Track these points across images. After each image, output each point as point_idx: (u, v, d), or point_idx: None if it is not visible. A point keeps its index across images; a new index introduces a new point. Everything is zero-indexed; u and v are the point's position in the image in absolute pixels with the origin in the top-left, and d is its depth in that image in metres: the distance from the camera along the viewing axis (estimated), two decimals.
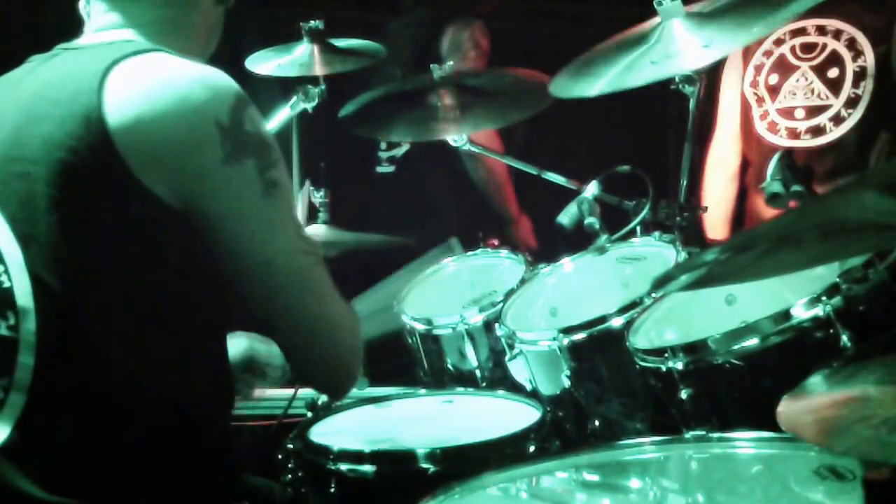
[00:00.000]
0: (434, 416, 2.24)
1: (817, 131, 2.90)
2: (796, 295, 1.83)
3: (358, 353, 1.83)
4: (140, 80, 1.58)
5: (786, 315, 1.80)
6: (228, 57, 1.87)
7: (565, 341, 2.20)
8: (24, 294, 1.58)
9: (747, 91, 3.07)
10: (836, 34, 2.91)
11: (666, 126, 3.95)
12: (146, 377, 1.61)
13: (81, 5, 1.78)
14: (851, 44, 2.87)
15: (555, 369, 2.25)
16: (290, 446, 2.03)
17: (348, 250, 3.02)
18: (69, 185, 1.55)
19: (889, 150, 2.86)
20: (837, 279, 1.79)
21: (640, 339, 2.06)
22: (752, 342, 1.82)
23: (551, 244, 3.73)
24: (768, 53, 3.02)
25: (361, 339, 1.83)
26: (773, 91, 2.99)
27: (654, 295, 2.14)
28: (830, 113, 2.89)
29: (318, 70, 2.87)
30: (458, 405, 2.29)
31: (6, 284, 1.59)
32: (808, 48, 2.95)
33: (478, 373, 2.59)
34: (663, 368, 1.92)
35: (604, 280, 2.53)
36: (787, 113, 2.97)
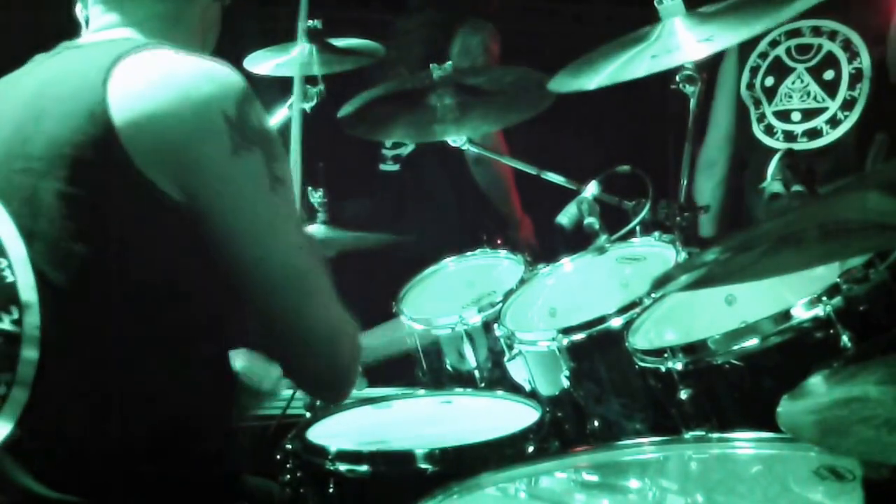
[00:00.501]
0: (433, 417, 2.24)
1: (814, 134, 2.90)
2: (796, 295, 1.83)
3: (357, 357, 1.80)
4: (145, 74, 1.58)
5: (786, 315, 1.80)
6: (227, 56, 1.87)
7: (564, 342, 2.20)
8: (27, 289, 1.58)
9: (744, 93, 3.07)
10: (832, 35, 2.91)
11: (666, 126, 3.94)
12: (148, 373, 1.62)
13: (78, 9, 1.78)
14: (847, 45, 2.87)
15: (554, 370, 2.25)
16: (289, 447, 2.03)
17: (347, 250, 3.02)
18: (74, 181, 1.55)
19: (886, 152, 2.86)
20: (838, 279, 1.78)
21: (640, 340, 2.06)
22: (752, 342, 1.82)
23: (551, 244, 3.73)
24: (764, 55, 3.01)
25: (360, 344, 1.80)
26: (770, 93, 2.99)
27: (653, 295, 2.14)
28: (827, 116, 2.89)
29: (317, 70, 2.86)
30: (457, 406, 2.29)
31: (10, 279, 1.59)
32: (804, 49, 2.95)
33: (477, 373, 2.59)
34: (663, 369, 1.92)
35: (603, 280, 2.53)
36: (784, 115, 2.97)
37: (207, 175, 1.57)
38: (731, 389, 1.87)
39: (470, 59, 3.79)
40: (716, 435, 1.73)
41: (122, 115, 1.53)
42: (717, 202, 3.25)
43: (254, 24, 3.61)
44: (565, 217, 2.56)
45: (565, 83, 2.38)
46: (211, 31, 1.83)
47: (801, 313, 1.79)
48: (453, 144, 2.92)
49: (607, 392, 2.20)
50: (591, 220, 2.52)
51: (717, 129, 3.20)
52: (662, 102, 3.29)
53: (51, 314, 1.58)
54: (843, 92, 2.87)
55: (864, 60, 2.85)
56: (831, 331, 1.77)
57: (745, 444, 1.68)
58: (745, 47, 3.06)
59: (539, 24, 5.00)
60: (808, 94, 2.92)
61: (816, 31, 2.93)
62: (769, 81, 3.00)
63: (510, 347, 2.36)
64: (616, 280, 2.51)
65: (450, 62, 2.86)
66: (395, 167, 3.99)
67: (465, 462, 1.84)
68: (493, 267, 2.92)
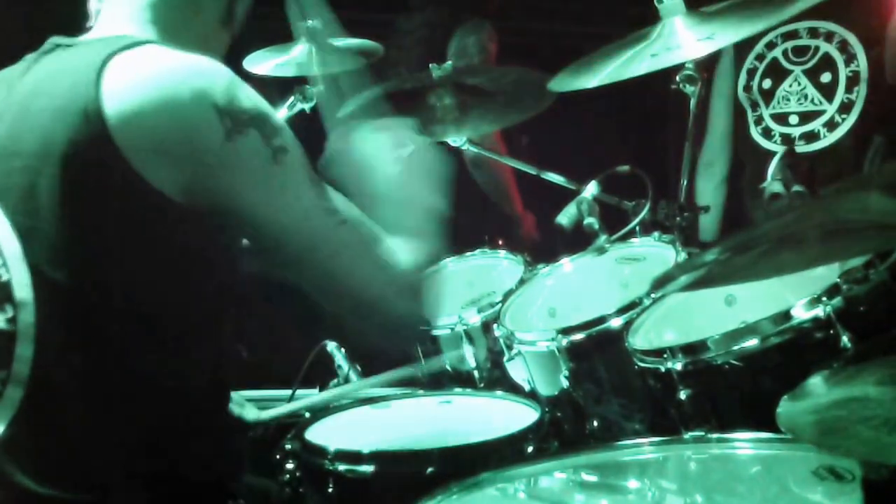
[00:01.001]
0: (432, 417, 2.24)
1: (811, 137, 2.90)
2: (796, 295, 1.83)
3: (414, 299, 1.72)
4: (134, 72, 1.57)
5: (786, 316, 1.80)
6: (226, 56, 1.86)
7: (564, 342, 2.20)
8: (22, 287, 1.58)
9: (741, 96, 3.07)
10: (829, 37, 2.91)
11: (666, 126, 3.94)
12: (144, 372, 1.61)
13: (92, 3, 1.78)
14: (844, 47, 2.87)
15: (553, 370, 2.25)
16: (288, 446, 2.03)
17: None
18: (68, 179, 1.55)
19: (883, 154, 2.86)
20: (838, 279, 1.78)
21: (639, 340, 2.06)
22: (752, 343, 1.81)
23: (550, 244, 3.72)
24: (761, 57, 3.01)
25: (415, 286, 1.73)
26: (767, 96, 2.99)
27: (653, 295, 2.14)
28: (824, 118, 2.89)
29: (317, 70, 2.86)
30: (457, 406, 2.29)
31: (4, 277, 1.58)
32: (801, 51, 2.95)
33: (476, 373, 2.59)
34: (662, 369, 1.92)
35: (603, 280, 2.53)
36: (781, 118, 2.97)
37: (205, 166, 1.56)
38: (731, 390, 1.87)
39: (467, 57, 3.79)
40: (715, 435, 1.73)
41: (115, 112, 1.53)
42: (717, 204, 3.25)
43: (253, 24, 3.61)
44: (565, 217, 2.56)
45: (565, 83, 2.38)
46: (215, 51, 1.81)
47: (800, 314, 1.79)
48: (453, 144, 2.92)
49: (607, 392, 2.20)
50: (591, 221, 2.51)
51: (714, 131, 3.20)
52: (662, 102, 3.29)
53: (46, 312, 1.57)
54: (840, 95, 2.87)
55: (861, 63, 2.84)
56: (831, 331, 1.77)
57: (744, 444, 1.68)
58: (742, 49, 3.06)
59: (539, 24, 5.00)
60: (806, 96, 2.92)
61: (813, 33, 2.93)
62: (766, 84, 3.00)
63: (509, 347, 2.36)
64: (616, 280, 2.51)
65: (449, 62, 2.86)
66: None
67: (465, 462, 1.84)
68: (493, 267, 2.92)
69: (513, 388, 2.40)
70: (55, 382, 1.60)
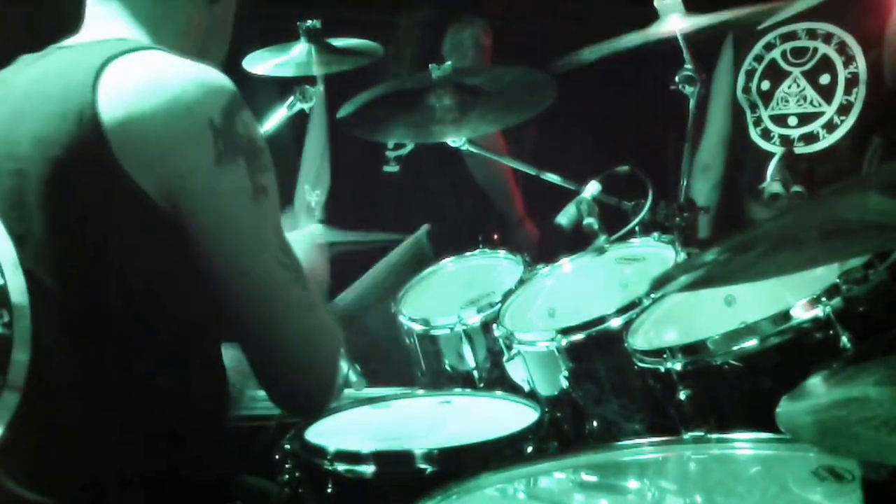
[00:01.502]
0: (432, 417, 2.24)
1: (810, 138, 2.90)
2: (796, 296, 1.83)
3: (336, 372, 1.77)
4: (134, 77, 1.56)
5: (785, 316, 1.80)
6: (225, 57, 1.86)
7: (563, 342, 2.20)
8: (18, 291, 1.57)
9: (740, 97, 3.06)
10: (827, 38, 2.91)
11: (665, 126, 3.94)
12: (141, 375, 1.60)
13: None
14: (842, 48, 2.87)
15: (553, 370, 2.25)
16: (287, 446, 2.03)
17: (344, 251, 3.01)
18: (63, 183, 1.54)
19: (881, 155, 2.86)
20: (837, 280, 1.79)
21: (639, 340, 2.06)
22: (752, 343, 1.82)
23: (550, 245, 3.72)
24: (759, 59, 3.01)
25: (340, 358, 1.78)
26: (766, 97, 2.99)
27: (652, 295, 2.14)
28: (823, 120, 2.89)
29: (316, 70, 2.86)
30: (456, 406, 2.29)
31: None
32: (799, 53, 2.95)
33: (475, 373, 2.58)
34: (662, 369, 1.92)
35: (602, 281, 2.53)
36: (780, 120, 2.97)
37: (190, 184, 1.55)
38: (731, 390, 1.87)
39: (461, 53, 3.79)
40: (715, 435, 1.73)
41: (111, 117, 1.51)
42: (713, 205, 3.24)
43: (252, 24, 3.61)
44: (564, 217, 2.56)
45: (569, 59, 2.38)
46: (210, 34, 1.80)
47: (800, 314, 1.79)
48: (452, 145, 2.92)
49: (606, 392, 2.20)
50: (591, 221, 2.51)
51: (712, 133, 3.20)
52: (662, 103, 3.29)
53: (42, 317, 1.57)
54: (839, 96, 2.87)
55: (860, 64, 2.84)
56: (831, 331, 1.77)
57: (744, 444, 1.68)
58: (740, 50, 3.06)
59: (539, 24, 5.00)
60: (805, 98, 2.92)
61: (812, 34, 2.93)
62: (765, 85, 3.00)
63: (509, 348, 2.36)
64: (615, 280, 2.51)
65: (448, 62, 2.85)
66: (397, 168, 3.99)
67: (464, 462, 1.84)
68: (492, 267, 2.91)
69: (512, 389, 2.40)
70: (52, 387, 1.59)
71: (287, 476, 1.99)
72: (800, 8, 2.17)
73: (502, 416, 2.12)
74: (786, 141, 2.93)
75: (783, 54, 2.98)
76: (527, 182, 3.89)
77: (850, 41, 2.86)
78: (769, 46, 3.00)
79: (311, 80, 2.85)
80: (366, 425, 2.19)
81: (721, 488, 1.60)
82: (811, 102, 2.91)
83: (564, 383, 2.23)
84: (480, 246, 2.97)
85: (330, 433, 2.09)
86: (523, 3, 4.68)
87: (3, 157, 1.58)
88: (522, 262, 2.73)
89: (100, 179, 1.53)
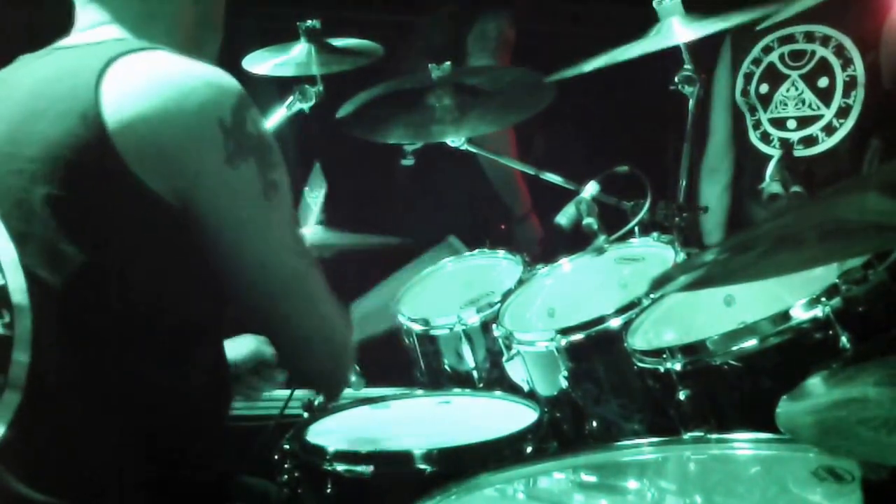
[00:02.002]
0: (431, 417, 2.24)
1: (810, 142, 2.90)
2: (795, 296, 1.83)
3: (350, 354, 1.84)
4: (140, 77, 1.56)
5: (785, 316, 1.80)
6: (225, 56, 1.86)
7: (563, 342, 2.19)
8: (19, 292, 1.57)
9: (739, 100, 3.06)
10: (825, 41, 2.91)
11: (665, 126, 3.94)
12: (142, 375, 1.60)
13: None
14: (840, 51, 2.87)
15: (552, 370, 2.24)
16: (287, 447, 2.03)
17: (346, 251, 3.01)
18: (66, 183, 1.54)
19: (881, 157, 2.86)
20: (837, 280, 1.78)
21: (639, 340, 2.06)
22: (751, 343, 1.81)
23: (549, 245, 3.72)
24: (757, 62, 3.01)
25: (353, 341, 1.84)
26: (765, 101, 2.99)
27: (652, 296, 2.14)
28: (822, 123, 2.89)
29: (316, 70, 2.86)
30: (456, 406, 2.29)
31: (0, 282, 1.58)
32: (797, 56, 2.95)
33: (475, 373, 2.58)
34: (661, 369, 1.91)
35: (602, 281, 2.52)
36: (779, 123, 2.97)
37: (201, 182, 1.56)
38: (730, 390, 1.86)
39: (484, 45, 3.79)
40: (714, 436, 1.73)
41: (116, 117, 1.52)
42: (722, 208, 3.24)
43: (252, 24, 3.61)
44: (564, 217, 2.56)
45: (562, 72, 2.39)
46: (204, 29, 1.80)
47: (799, 314, 1.79)
48: (452, 145, 2.92)
49: (606, 392, 2.19)
50: (590, 221, 2.51)
51: (716, 136, 3.20)
52: (661, 103, 3.29)
53: (43, 317, 1.57)
54: (837, 100, 2.87)
55: (858, 67, 2.84)
56: (830, 332, 1.77)
57: (743, 444, 1.68)
58: (738, 53, 3.06)
59: (539, 24, 5.00)
60: (803, 101, 2.92)
61: (809, 37, 2.92)
62: (764, 89, 3.00)
63: (508, 348, 2.36)
64: (615, 280, 2.51)
65: (448, 63, 2.85)
66: (412, 161, 3.97)
67: (464, 462, 1.84)
68: (492, 267, 2.91)
69: (512, 389, 2.39)
70: (52, 387, 1.59)
71: (286, 476, 1.99)
72: (797, 9, 2.17)
73: (502, 417, 2.12)
74: (785, 144, 2.93)
75: (781, 57, 2.97)
76: (527, 182, 3.89)
77: (848, 44, 2.86)
78: (767, 49, 3.00)
79: (310, 80, 2.85)
80: (365, 425, 2.19)
81: (721, 488, 1.60)
82: (810, 106, 2.91)
83: (564, 383, 2.23)
84: (486, 247, 2.97)
85: (329, 433, 2.09)
86: (523, 3, 4.69)
87: (7, 158, 1.58)
88: (522, 262, 2.73)
89: (104, 179, 1.53)
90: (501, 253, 2.91)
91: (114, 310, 1.58)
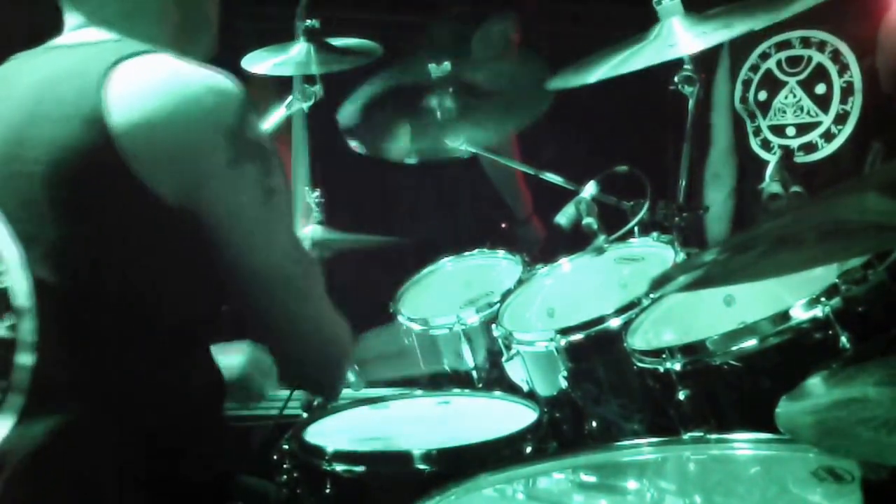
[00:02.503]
0: (430, 417, 2.23)
1: (809, 148, 2.90)
2: (795, 296, 1.82)
3: (348, 355, 1.88)
4: (144, 81, 1.57)
5: (785, 316, 1.80)
6: (224, 55, 1.86)
7: (563, 342, 2.19)
8: (22, 294, 1.57)
9: (738, 107, 3.06)
10: (821, 46, 2.90)
11: (665, 126, 3.94)
12: (143, 376, 1.61)
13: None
14: (836, 56, 2.86)
15: (552, 370, 2.24)
16: (286, 447, 2.03)
17: (345, 251, 3.01)
18: (70, 186, 1.54)
19: (882, 160, 2.86)
20: (836, 280, 1.78)
21: (638, 340, 2.06)
22: (751, 343, 1.81)
23: (549, 245, 3.72)
24: (755, 68, 3.01)
25: (351, 342, 1.86)
26: (764, 108, 2.99)
27: (652, 296, 2.13)
28: (821, 130, 2.89)
29: (315, 69, 2.86)
30: (455, 406, 2.28)
31: (4, 285, 1.58)
32: (794, 62, 2.94)
33: (474, 374, 2.58)
34: (661, 369, 1.91)
35: (602, 281, 2.52)
36: (779, 130, 2.97)
37: (204, 185, 1.57)
38: (730, 390, 1.86)
39: (490, 46, 3.80)
40: (714, 436, 1.72)
41: (120, 120, 1.52)
42: (727, 214, 3.23)
43: (251, 24, 3.61)
44: (563, 217, 2.56)
45: (564, 81, 2.38)
46: (193, 24, 1.78)
47: (799, 314, 1.79)
48: (451, 146, 2.91)
49: (605, 393, 2.19)
50: (590, 221, 2.51)
51: (718, 143, 3.19)
52: (661, 102, 3.29)
53: (46, 320, 1.57)
54: (835, 106, 2.87)
55: (855, 73, 2.84)
56: (830, 332, 1.77)
57: (743, 445, 1.68)
58: (736, 60, 3.06)
59: (539, 24, 5.00)
60: (802, 108, 2.92)
61: (806, 43, 2.92)
62: (762, 96, 3.00)
63: (508, 348, 2.36)
64: (614, 280, 2.51)
65: (447, 62, 2.85)
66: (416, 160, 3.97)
67: (463, 463, 1.83)
68: (491, 267, 2.91)
69: (511, 389, 2.39)
70: (55, 389, 1.59)
71: (285, 476, 1.99)
72: (797, 9, 2.16)
73: (501, 417, 2.11)
74: (786, 151, 2.93)
75: (778, 64, 2.97)
76: (528, 184, 3.89)
77: (844, 49, 2.85)
78: (764, 56, 3.00)
79: (310, 80, 2.85)
80: (364, 426, 2.19)
81: (720, 489, 1.59)
82: (808, 112, 2.91)
83: (563, 383, 2.22)
84: (486, 248, 2.97)
85: (328, 433, 2.09)
86: (523, 3, 4.69)
87: (11, 160, 1.58)
88: (521, 262, 2.73)
89: (108, 182, 1.54)
90: (501, 253, 2.91)
91: (116, 311, 1.59)
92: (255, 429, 2.38)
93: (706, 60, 2.77)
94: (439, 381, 2.65)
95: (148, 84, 1.56)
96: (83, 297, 1.57)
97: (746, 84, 3.03)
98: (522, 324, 2.45)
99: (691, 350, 1.88)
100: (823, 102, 2.87)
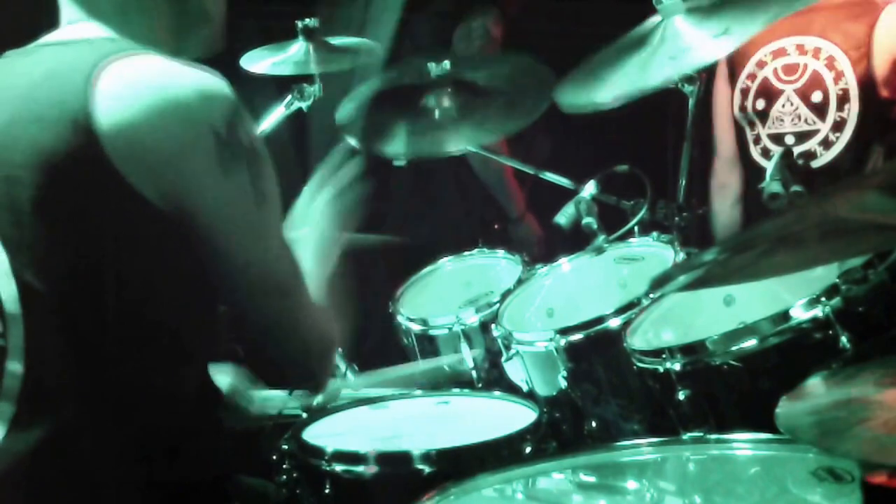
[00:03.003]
0: (430, 418, 2.23)
1: (809, 156, 2.90)
2: (795, 296, 1.82)
3: (332, 356, 1.88)
4: (132, 82, 1.53)
5: (785, 316, 1.80)
6: (222, 55, 1.85)
7: (562, 342, 2.19)
8: (10, 300, 1.55)
9: (738, 115, 3.06)
10: (815, 53, 2.90)
11: (665, 126, 3.94)
12: (136, 379, 1.59)
13: None
14: (831, 63, 2.87)
15: (551, 370, 2.24)
16: (285, 447, 2.02)
17: (344, 251, 3.00)
18: (57, 189, 1.52)
19: (882, 160, 2.86)
20: (837, 280, 1.78)
21: (638, 340, 2.05)
22: (751, 343, 1.81)
23: (548, 244, 3.72)
24: (752, 77, 3.01)
25: (337, 338, 1.84)
26: (762, 116, 2.99)
27: (651, 295, 2.13)
28: (819, 138, 2.89)
29: (314, 69, 2.85)
30: (454, 406, 2.28)
31: None
32: (790, 70, 2.94)
33: (474, 374, 2.58)
34: (661, 369, 1.91)
35: (601, 280, 2.52)
36: (778, 139, 2.97)
37: (193, 189, 1.55)
38: (730, 390, 1.86)
39: (469, 42, 3.79)
40: (714, 436, 1.72)
41: (107, 122, 1.49)
42: (734, 222, 3.23)
43: (250, 23, 3.60)
44: (563, 217, 2.56)
45: (578, 97, 2.36)
46: (190, 19, 1.75)
47: (799, 314, 1.78)
48: (451, 148, 2.90)
49: (605, 393, 2.19)
50: (589, 220, 2.51)
51: (722, 151, 3.19)
52: (661, 102, 3.29)
53: (35, 325, 1.55)
54: (832, 114, 2.87)
55: (850, 79, 2.84)
56: (830, 332, 1.76)
57: (743, 445, 1.67)
58: (734, 68, 3.06)
59: (539, 24, 4.99)
60: (799, 117, 2.93)
61: (800, 50, 2.92)
62: (760, 104, 3.00)
63: (507, 348, 2.36)
64: (614, 280, 2.51)
65: (447, 62, 2.84)
66: (404, 163, 3.97)
67: (462, 463, 1.83)
68: (491, 267, 2.91)
69: (511, 389, 2.39)
70: (47, 395, 1.57)
71: (285, 476, 1.99)
72: (796, 9, 2.15)
73: (501, 417, 2.11)
74: (786, 150, 2.93)
75: (775, 72, 2.97)
76: (526, 181, 3.88)
77: (839, 55, 2.85)
78: (761, 64, 3.00)
79: (309, 79, 2.85)
80: (364, 426, 2.19)
81: (720, 489, 1.59)
82: (805, 121, 2.91)
83: (563, 383, 2.22)
84: (480, 247, 2.96)
85: (328, 434, 2.09)
86: (523, 3, 4.69)
87: None
88: (521, 262, 2.73)
89: (95, 185, 1.51)
90: (500, 253, 2.91)
91: (106, 315, 1.56)
92: (254, 429, 2.37)
93: None
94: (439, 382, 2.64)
95: (135, 85, 1.53)
96: (72, 302, 1.55)
97: (744, 92, 3.03)
98: (522, 324, 2.45)
99: (691, 350, 1.87)
100: (820, 110, 2.88)
